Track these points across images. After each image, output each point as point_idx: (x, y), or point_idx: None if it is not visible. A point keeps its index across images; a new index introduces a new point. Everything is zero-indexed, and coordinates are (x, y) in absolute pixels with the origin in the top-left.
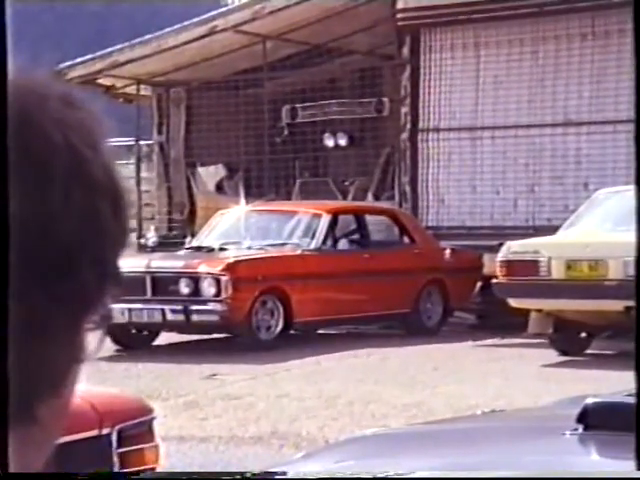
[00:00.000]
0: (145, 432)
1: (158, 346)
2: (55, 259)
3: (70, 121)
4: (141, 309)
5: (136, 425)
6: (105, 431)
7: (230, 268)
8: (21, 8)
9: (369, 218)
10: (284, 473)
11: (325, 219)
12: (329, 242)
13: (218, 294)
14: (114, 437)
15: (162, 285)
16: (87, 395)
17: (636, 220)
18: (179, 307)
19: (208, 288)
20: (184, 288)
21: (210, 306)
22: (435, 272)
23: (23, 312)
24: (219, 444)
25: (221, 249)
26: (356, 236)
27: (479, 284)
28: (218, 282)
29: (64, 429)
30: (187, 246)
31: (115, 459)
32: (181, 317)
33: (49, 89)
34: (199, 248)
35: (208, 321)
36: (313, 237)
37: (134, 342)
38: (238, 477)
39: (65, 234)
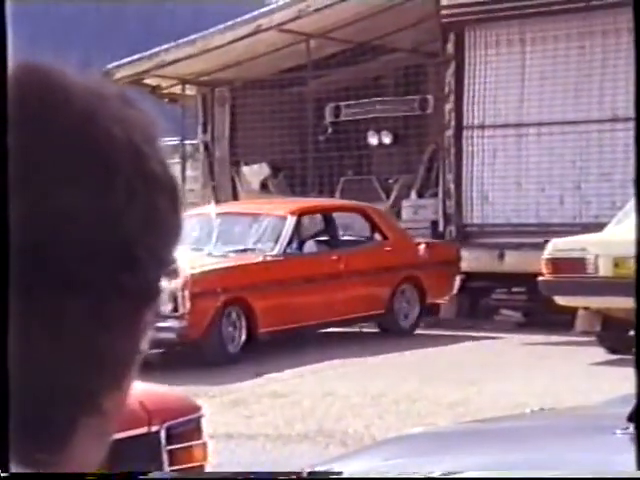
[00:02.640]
0: (193, 430)
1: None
2: (120, 252)
3: (129, 119)
4: None
5: (184, 423)
6: (154, 428)
7: (188, 283)
8: (67, 9)
9: (341, 216)
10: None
11: (290, 221)
12: (294, 245)
13: (176, 310)
14: (163, 434)
15: None
16: (136, 392)
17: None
18: None
19: (165, 304)
20: None
21: (168, 323)
22: (410, 269)
23: (90, 304)
24: (266, 442)
25: (180, 257)
26: (324, 237)
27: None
28: (175, 298)
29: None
30: None
31: (164, 456)
32: None
33: (107, 89)
34: None
35: (166, 338)
36: (277, 241)
37: None
38: (252, 477)
39: (130, 228)
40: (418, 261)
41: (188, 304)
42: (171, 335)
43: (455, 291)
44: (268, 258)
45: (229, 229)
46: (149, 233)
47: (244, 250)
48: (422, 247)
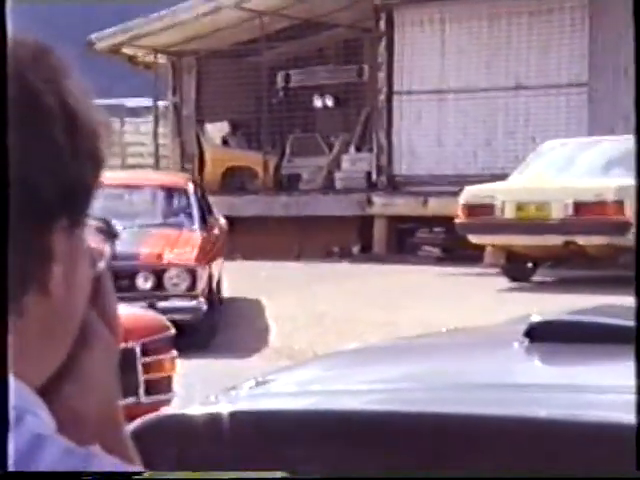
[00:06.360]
0: (164, 345)
1: None
2: (10, 172)
3: (25, 61)
4: None
5: (157, 340)
6: (130, 344)
7: (199, 257)
8: None
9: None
10: None
11: (193, 192)
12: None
13: (192, 288)
14: (138, 349)
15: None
16: None
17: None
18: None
19: (177, 281)
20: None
21: (181, 302)
22: None
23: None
24: (222, 356)
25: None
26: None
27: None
28: (193, 274)
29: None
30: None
31: (139, 367)
32: None
33: (18, 40)
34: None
35: (179, 320)
36: (190, 215)
37: None
38: (242, 477)
39: (18, 151)
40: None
41: (205, 280)
42: (186, 316)
43: None
44: (204, 233)
45: (129, 202)
46: (39, 154)
47: (163, 225)
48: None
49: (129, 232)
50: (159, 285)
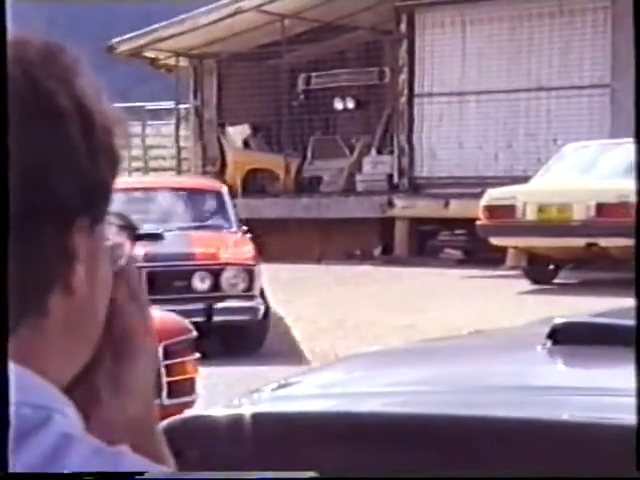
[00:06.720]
0: (186, 348)
1: None
2: (25, 174)
3: (35, 62)
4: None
5: (179, 342)
6: None
7: (254, 257)
8: None
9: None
10: None
11: (227, 195)
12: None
13: (249, 289)
14: (160, 351)
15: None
16: None
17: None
18: (200, 306)
19: (235, 281)
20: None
21: (239, 303)
22: None
23: (12, 220)
24: (247, 359)
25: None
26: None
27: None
28: (250, 274)
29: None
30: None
31: (162, 370)
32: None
33: (28, 41)
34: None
35: (237, 320)
36: (227, 218)
37: None
38: (272, 477)
39: (30, 152)
40: None
41: (261, 279)
42: (244, 317)
43: None
44: (244, 235)
45: (164, 205)
46: (55, 155)
47: (203, 227)
48: None
49: (171, 235)
50: (215, 285)
